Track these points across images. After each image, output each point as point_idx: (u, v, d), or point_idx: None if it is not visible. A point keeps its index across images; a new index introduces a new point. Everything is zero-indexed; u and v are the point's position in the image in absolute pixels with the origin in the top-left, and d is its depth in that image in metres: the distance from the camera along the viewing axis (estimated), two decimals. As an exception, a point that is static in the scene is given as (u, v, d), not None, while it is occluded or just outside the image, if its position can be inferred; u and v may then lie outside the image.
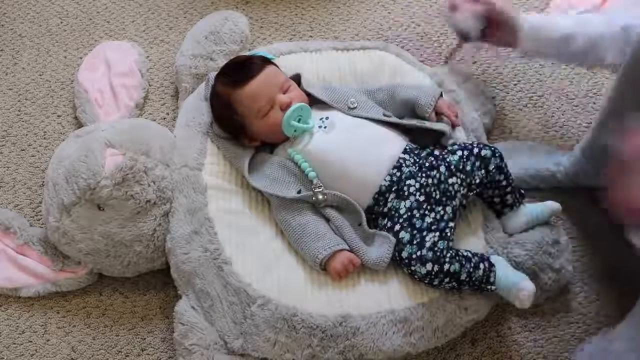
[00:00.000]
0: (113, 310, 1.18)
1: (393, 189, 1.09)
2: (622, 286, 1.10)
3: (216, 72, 1.22)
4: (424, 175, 1.10)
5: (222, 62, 1.33)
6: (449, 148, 1.14)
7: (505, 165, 1.14)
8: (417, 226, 1.05)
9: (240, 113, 1.14)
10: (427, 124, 1.17)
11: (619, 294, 1.18)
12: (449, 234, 1.06)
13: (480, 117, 1.30)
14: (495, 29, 1.21)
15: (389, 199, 1.09)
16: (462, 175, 1.11)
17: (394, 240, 1.06)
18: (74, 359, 1.14)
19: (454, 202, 1.09)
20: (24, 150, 1.38)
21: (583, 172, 1.23)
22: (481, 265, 1.05)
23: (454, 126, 1.20)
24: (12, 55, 1.52)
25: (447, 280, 1.04)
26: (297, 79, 1.22)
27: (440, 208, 1.08)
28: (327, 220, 1.11)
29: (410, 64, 1.32)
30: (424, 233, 1.04)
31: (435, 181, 1.09)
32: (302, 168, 1.11)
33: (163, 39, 1.54)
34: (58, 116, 1.42)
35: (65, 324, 1.17)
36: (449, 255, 1.03)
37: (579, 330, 1.16)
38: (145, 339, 1.16)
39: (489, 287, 1.06)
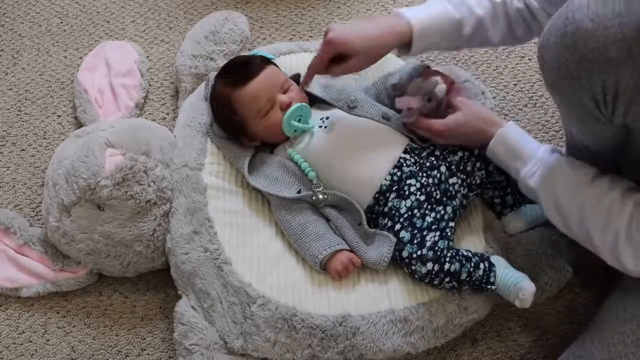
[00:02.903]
0: (113, 310, 1.18)
1: (394, 189, 1.09)
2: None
3: (216, 72, 1.22)
4: (424, 174, 1.10)
5: (222, 62, 1.33)
6: (450, 148, 1.14)
7: (506, 166, 1.14)
8: (418, 226, 1.05)
9: (240, 113, 1.14)
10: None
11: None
12: (449, 234, 1.06)
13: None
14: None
15: (390, 199, 1.09)
16: (462, 176, 1.11)
17: (394, 239, 1.06)
18: (74, 359, 1.14)
19: (454, 202, 1.09)
20: (24, 150, 1.38)
21: None
22: (481, 265, 1.05)
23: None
24: (12, 55, 1.52)
25: (447, 280, 1.04)
26: (297, 79, 1.21)
27: (440, 208, 1.08)
28: (327, 220, 1.11)
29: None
30: (425, 232, 1.04)
31: (436, 181, 1.09)
32: (302, 168, 1.11)
33: (163, 39, 1.54)
34: (58, 116, 1.42)
35: (65, 324, 1.17)
36: (449, 254, 1.03)
37: (579, 331, 1.16)
38: (145, 339, 1.16)
39: (489, 287, 1.06)
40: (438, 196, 1.08)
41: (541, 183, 1.00)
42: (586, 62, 0.81)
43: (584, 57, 0.81)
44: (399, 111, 1.14)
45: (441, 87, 1.10)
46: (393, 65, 1.28)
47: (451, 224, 1.08)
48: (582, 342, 1.03)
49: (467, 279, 1.04)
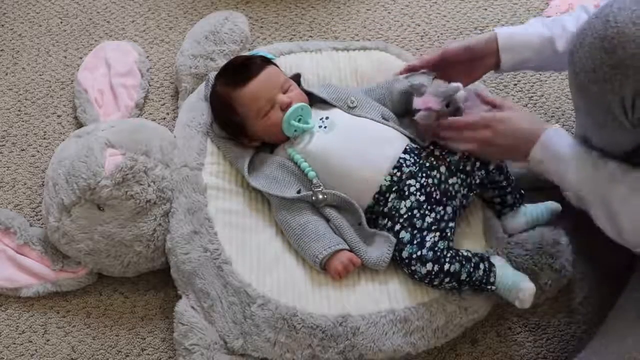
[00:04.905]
0: (113, 310, 1.18)
1: (393, 189, 1.09)
2: (621, 286, 1.09)
3: (216, 72, 1.22)
4: (424, 175, 1.10)
5: (222, 62, 1.33)
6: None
7: (506, 166, 1.14)
8: (418, 226, 1.05)
9: (241, 113, 1.14)
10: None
11: (618, 294, 1.17)
12: (449, 234, 1.06)
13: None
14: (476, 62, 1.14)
15: (390, 199, 1.09)
16: (462, 176, 1.11)
17: (394, 240, 1.06)
18: (74, 359, 1.14)
19: (454, 202, 1.09)
20: (24, 150, 1.38)
21: None
22: (481, 266, 1.05)
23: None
24: (12, 55, 1.52)
25: (447, 280, 1.04)
26: (297, 79, 1.22)
27: (440, 208, 1.08)
28: (327, 220, 1.11)
29: (410, 64, 1.32)
30: (425, 233, 1.04)
31: (436, 181, 1.09)
32: (302, 168, 1.11)
33: (163, 39, 1.54)
34: (58, 116, 1.42)
35: (65, 324, 1.17)
36: (449, 255, 1.03)
37: (579, 330, 1.16)
38: (145, 339, 1.16)
39: (489, 287, 1.06)
40: (438, 196, 1.08)
41: (590, 186, 0.91)
42: (623, 67, 0.79)
43: (622, 62, 0.78)
44: (415, 111, 1.12)
45: (462, 94, 1.09)
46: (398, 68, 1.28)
47: (451, 224, 1.08)
48: (594, 348, 1.02)
49: (467, 279, 1.04)
